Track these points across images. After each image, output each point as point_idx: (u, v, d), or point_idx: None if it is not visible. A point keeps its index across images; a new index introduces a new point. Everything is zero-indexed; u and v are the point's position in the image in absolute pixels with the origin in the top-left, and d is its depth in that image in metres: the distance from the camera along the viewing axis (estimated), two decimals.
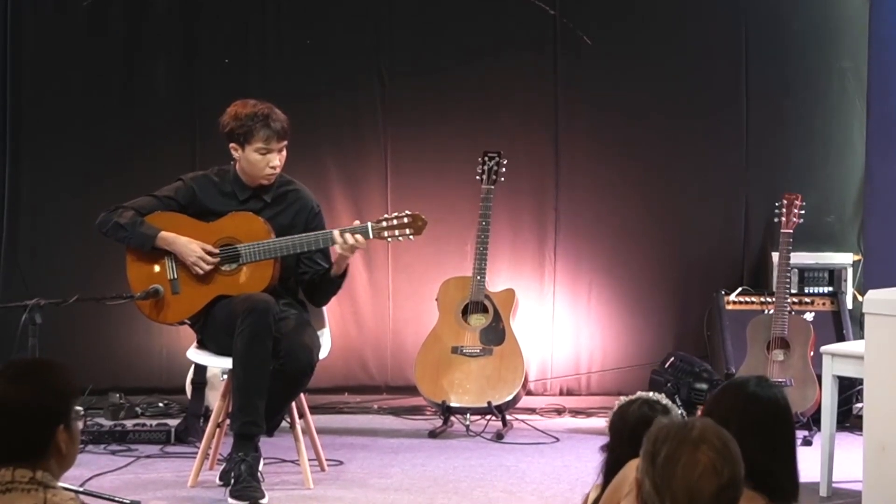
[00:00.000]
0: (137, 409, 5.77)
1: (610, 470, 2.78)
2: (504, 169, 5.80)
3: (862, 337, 4.40)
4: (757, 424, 2.50)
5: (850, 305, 5.98)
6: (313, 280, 4.73)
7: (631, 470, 2.61)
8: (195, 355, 4.84)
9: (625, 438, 2.77)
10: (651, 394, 2.94)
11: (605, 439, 2.91)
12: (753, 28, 6.26)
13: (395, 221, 4.59)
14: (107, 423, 5.45)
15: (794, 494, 2.57)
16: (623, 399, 2.92)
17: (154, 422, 5.47)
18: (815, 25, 6.29)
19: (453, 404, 5.58)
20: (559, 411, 6.06)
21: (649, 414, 2.77)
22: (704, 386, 5.49)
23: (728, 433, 2.13)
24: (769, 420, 2.57)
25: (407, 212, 4.62)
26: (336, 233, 4.55)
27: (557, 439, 5.52)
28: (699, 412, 4.60)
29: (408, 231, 4.60)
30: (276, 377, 4.47)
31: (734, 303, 5.99)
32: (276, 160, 4.63)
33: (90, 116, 6.26)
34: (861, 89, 6.15)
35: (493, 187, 5.75)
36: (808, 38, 6.29)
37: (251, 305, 4.44)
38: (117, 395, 5.80)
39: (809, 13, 6.29)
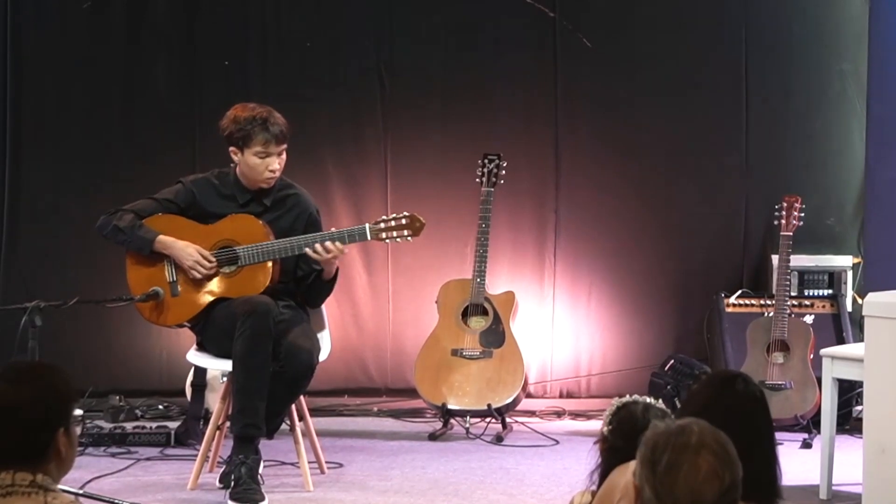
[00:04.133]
0: (137, 411, 5.77)
1: (606, 474, 2.77)
2: (504, 171, 5.80)
3: (862, 339, 4.40)
4: (734, 417, 2.49)
5: (849, 308, 5.98)
6: (307, 281, 4.74)
7: (620, 476, 2.61)
8: (195, 358, 4.84)
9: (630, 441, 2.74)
10: (644, 397, 2.93)
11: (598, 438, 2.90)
12: (753, 30, 6.26)
13: (392, 223, 4.59)
14: (107, 425, 5.45)
15: (773, 495, 2.57)
16: (618, 401, 2.90)
17: (154, 424, 5.47)
18: (814, 28, 6.30)
19: (453, 407, 5.58)
20: (559, 414, 6.06)
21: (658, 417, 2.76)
22: None
23: (724, 435, 2.13)
24: (746, 413, 2.57)
25: (405, 213, 4.62)
26: (327, 241, 4.55)
27: (557, 442, 5.51)
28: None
29: (406, 232, 4.60)
30: (276, 379, 4.47)
31: (734, 305, 5.99)
32: (276, 164, 4.63)
33: (90, 118, 6.27)
34: (861, 91, 6.15)
35: (492, 189, 5.75)
36: (808, 41, 6.29)
37: (251, 308, 4.44)
38: (117, 398, 5.80)
39: (809, 15, 6.29)
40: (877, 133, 6.07)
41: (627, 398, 2.90)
